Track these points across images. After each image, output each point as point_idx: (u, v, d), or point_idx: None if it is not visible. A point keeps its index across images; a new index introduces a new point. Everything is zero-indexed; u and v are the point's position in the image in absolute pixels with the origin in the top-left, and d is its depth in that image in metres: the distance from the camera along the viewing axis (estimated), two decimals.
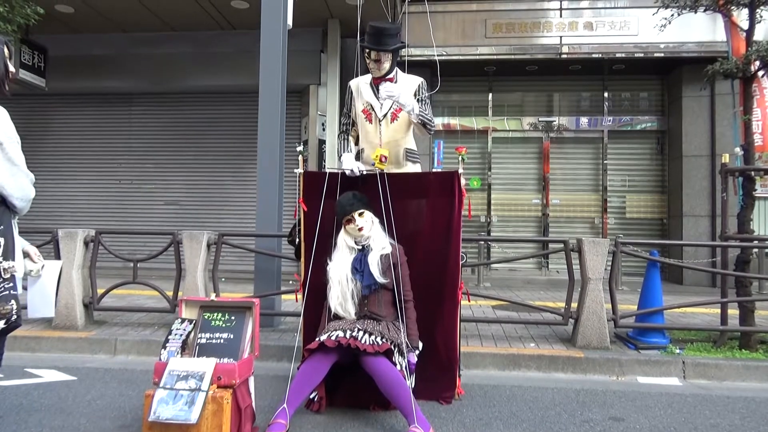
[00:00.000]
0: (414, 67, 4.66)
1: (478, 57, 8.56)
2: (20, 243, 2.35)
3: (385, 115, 3.54)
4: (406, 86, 3.55)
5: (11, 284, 2.22)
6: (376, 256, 3.05)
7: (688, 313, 5.68)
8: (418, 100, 3.52)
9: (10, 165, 2.22)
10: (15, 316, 2.21)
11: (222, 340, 2.67)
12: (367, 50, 3.45)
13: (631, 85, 9.41)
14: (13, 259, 2.24)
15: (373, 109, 3.56)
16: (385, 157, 3.27)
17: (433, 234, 3.35)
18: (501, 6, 8.52)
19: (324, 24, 8.58)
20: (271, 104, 4.91)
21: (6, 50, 2.32)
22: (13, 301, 2.20)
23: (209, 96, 9.46)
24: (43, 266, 2.59)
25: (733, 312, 4.58)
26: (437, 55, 4.31)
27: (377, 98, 3.54)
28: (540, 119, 9.52)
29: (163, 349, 2.62)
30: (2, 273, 2.20)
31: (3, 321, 2.17)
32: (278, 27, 4.94)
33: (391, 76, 3.54)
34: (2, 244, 2.19)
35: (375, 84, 3.56)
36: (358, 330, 2.86)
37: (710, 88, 8.28)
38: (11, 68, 2.35)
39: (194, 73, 9.04)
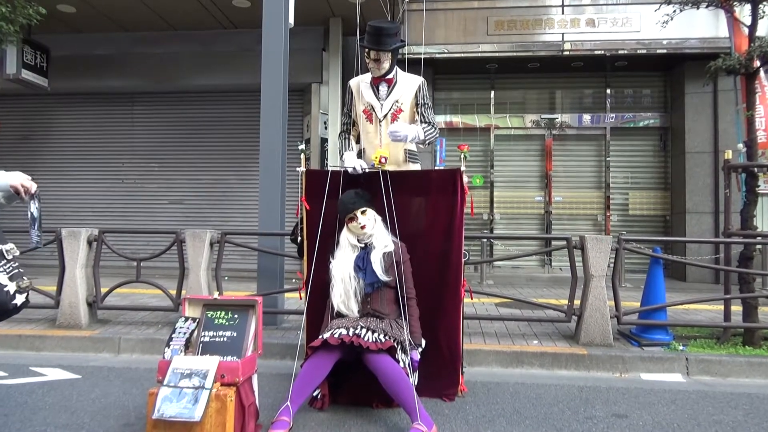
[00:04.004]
0: (415, 65, 4.65)
1: (480, 54, 8.53)
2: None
3: (385, 116, 3.54)
4: (406, 86, 3.55)
5: (17, 263, 2.35)
6: (379, 254, 3.06)
7: (692, 310, 5.67)
8: (417, 102, 3.53)
9: None
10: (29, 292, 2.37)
11: (225, 339, 2.68)
12: (367, 50, 3.46)
13: (633, 82, 9.38)
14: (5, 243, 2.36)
15: (374, 110, 3.56)
16: (385, 158, 3.27)
17: (436, 232, 3.35)
18: (503, 3, 8.48)
19: (326, 22, 8.58)
20: (272, 103, 4.92)
21: None
22: (26, 278, 2.34)
23: (211, 95, 9.46)
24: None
25: (737, 308, 4.58)
26: (423, 54, 4.31)
27: (377, 98, 3.54)
28: (542, 116, 9.49)
29: (166, 348, 2.63)
30: (5, 255, 2.31)
31: (24, 295, 2.31)
32: (280, 25, 4.94)
33: (390, 76, 3.53)
34: None
35: (374, 83, 3.56)
36: (361, 328, 2.87)
37: (713, 85, 8.25)
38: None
39: (196, 72, 9.05)
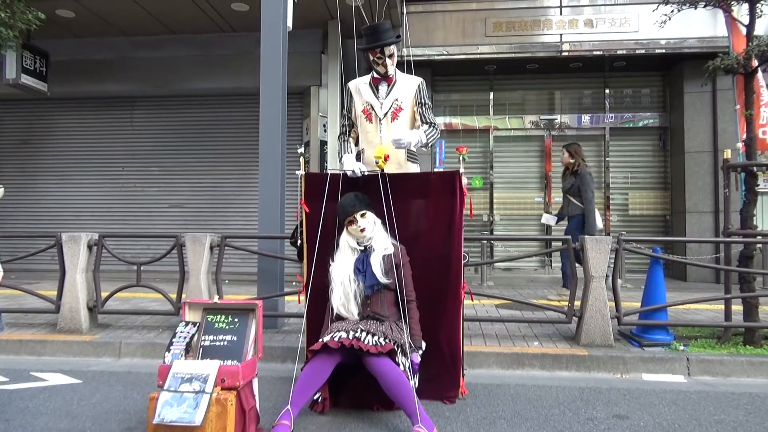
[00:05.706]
0: (414, 66, 4.65)
1: (478, 56, 8.54)
2: None
3: (385, 114, 3.55)
4: (405, 86, 3.57)
5: None
6: (379, 257, 3.06)
7: (692, 310, 5.67)
8: (418, 102, 3.55)
9: None
10: None
11: (225, 342, 2.68)
12: (378, 51, 3.45)
13: (632, 82, 9.39)
14: None
15: (373, 109, 3.58)
16: (388, 156, 3.28)
17: (435, 234, 3.35)
18: (501, 4, 8.50)
19: (324, 25, 8.58)
20: (271, 106, 4.92)
21: None
22: None
23: (210, 98, 9.47)
24: None
25: (737, 308, 4.57)
26: (412, 56, 4.32)
27: (377, 97, 3.56)
28: (541, 117, 9.50)
29: (167, 352, 2.63)
30: None
31: None
32: (278, 29, 4.95)
33: (391, 75, 3.56)
34: None
35: (374, 83, 3.58)
36: (361, 331, 2.87)
37: (712, 84, 8.26)
38: None
39: (195, 75, 9.05)
